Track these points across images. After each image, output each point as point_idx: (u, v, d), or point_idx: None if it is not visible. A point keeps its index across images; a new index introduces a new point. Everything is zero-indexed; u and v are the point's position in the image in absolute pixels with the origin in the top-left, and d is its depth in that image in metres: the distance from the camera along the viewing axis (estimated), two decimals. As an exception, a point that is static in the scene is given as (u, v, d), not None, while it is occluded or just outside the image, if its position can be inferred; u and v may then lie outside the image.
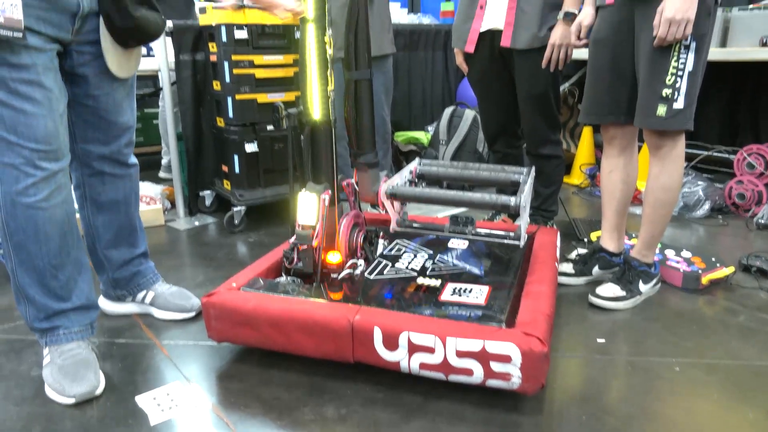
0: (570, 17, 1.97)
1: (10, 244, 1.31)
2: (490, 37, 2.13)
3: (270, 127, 2.58)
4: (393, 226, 1.82)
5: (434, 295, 1.51)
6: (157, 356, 1.55)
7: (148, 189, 2.79)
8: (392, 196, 1.73)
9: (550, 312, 1.41)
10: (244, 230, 2.61)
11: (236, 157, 2.57)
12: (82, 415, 1.30)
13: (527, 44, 2.05)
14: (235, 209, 2.59)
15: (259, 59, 2.48)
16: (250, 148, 2.57)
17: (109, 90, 1.44)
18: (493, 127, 2.36)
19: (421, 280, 1.59)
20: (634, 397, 1.36)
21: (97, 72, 1.39)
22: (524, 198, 1.61)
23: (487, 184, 1.97)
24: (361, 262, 1.68)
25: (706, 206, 2.71)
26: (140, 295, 1.74)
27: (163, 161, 3.58)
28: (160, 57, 2.60)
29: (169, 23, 2.54)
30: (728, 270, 1.94)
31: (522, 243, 1.70)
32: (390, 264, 1.71)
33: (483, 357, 1.25)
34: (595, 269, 1.97)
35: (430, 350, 1.28)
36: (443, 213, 2.70)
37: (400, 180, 1.81)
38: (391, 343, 1.31)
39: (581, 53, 2.00)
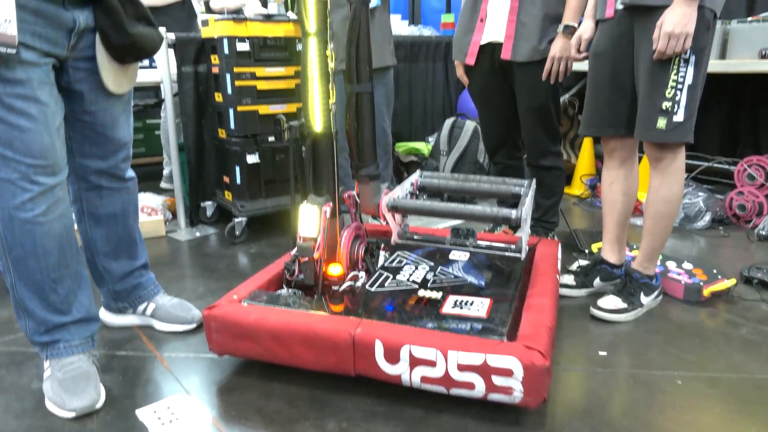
0: (569, 30, 1.98)
1: (8, 258, 1.31)
2: (491, 49, 2.14)
3: (271, 139, 2.59)
4: (394, 239, 1.83)
5: (435, 308, 1.51)
6: (158, 369, 1.55)
7: (149, 200, 2.80)
8: (393, 208, 1.73)
9: (552, 325, 1.41)
10: (245, 241, 2.61)
11: (237, 168, 2.58)
12: (82, 428, 1.30)
13: (527, 57, 2.06)
14: (237, 220, 2.59)
15: (260, 71, 2.50)
16: (252, 159, 2.58)
17: (106, 106, 1.43)
18: (494, 139, 2.37)
19: (422, 293, 1.59)
20: (637, 411, 1.35)
21: (93, 88, 1.39)
22: (525, 210, 1.61)
23: (488, 196, 1.97)
24: (362, 274, 1.68)
25: (707, 217, 2.71)
26: (141, 307, 1.74)
27: (165, 172, 3.59)
28: (162, 69, 2.62)
29: (172, 35, 2.56)
30: (730, 282, 1.94)
31: (523, 256, 1.70)
32: (391, 276, 1.71)
33: (484, 371, 1.24)
34: (597, 281, 1.97)
35: (432, 364, 1.28)
36: (444, 224, 2.70)
37: (401, 192, 1.81)
38: (392, 356, 1.31)
39: (581, 65, 2.01)
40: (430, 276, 1.71)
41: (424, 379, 1.30)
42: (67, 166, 1.35)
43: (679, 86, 1.57)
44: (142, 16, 1.40)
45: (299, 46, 2.57)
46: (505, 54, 2.09)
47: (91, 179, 1.52)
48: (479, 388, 1.26)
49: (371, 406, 1.37)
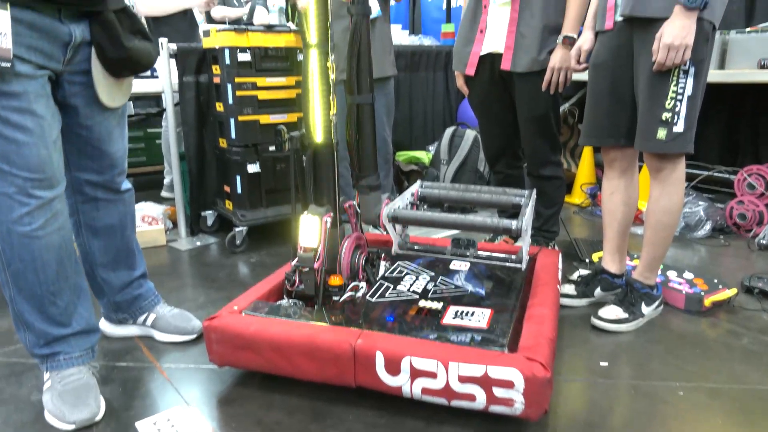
0: (569, 41, 1.99)
1: (7, 272, 1.30)
2: (491, 60, 2.15)
3: (272, 148, 2.59)
4: (395, 249, 1.83)
5: (436, 319, 1.50)
6: (158, 380, 1.55)
7: (150, 209, 2.80)
8: (394, 219, 1.74)
9: (553, 336, 1.40)
10: (245, 250, 2.61)
11: (238, 178, 2.58)
12: (82, 440, 1.30)
13: (527, 67, 2.07)
14: (237, 229, 2.59)
15: (261, 81, 2.51)
16: (252, 168, 2.58)
17: (101, 119, 1.42)
18: (495, 149, 2.38)
19: (422, 303, 1.59)
20: (638, 422, 1.35)
21: (88, 102, 1.38)
22: (526, 221, 1.62)
23: (489, 206, 1.98)
24: (362, 284, 1.68)
25: (708, 226, 2.71)
26: (141, 318, 1.74)
27: (166, 181, 3.60)
28: (164, 78, 2.63)
29: (173, 45, 2.57)
30: (731, 292, 1.94)
31: (524, 266, 1.70)
32: (392, 286, 1.71)
33: (485, 382, 1.24)
34: (597, 291, 1.96)
35: (433, 375, 1.28)
36: (444, 233, 2.70)
37: (401, 203, 1.82)
38: (393, 367, 1.30)
39: (581, 74, 2.03)
40: (430, 286, 1.71)
41: (425, 391, 1.30)
42: (65, 178, 1.35)
43: (679, 97, 1.58)
44: (138, 29, 1.40)
45: (300, 56, 2.58)
46: (505, 64, 2.10)
47: (87, 192, 1.51)
48: (480, 400, 1.26)
49: (372, 418, 1.36)
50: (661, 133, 1.61)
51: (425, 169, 3.56)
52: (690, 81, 1.57)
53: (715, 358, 1.63)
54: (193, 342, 1.74)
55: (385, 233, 1.82)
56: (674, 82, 1.57)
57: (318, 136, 1.60)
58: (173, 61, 2.62)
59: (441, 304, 1.58)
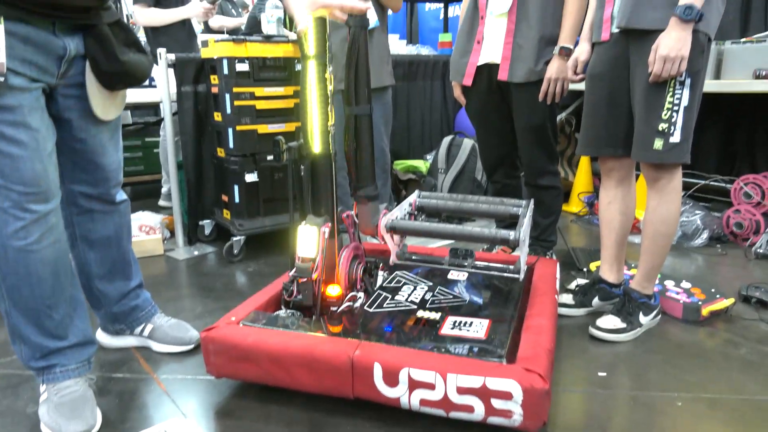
0: (565, 52, 2.01)
1: (2, 286, 1.29)
2: (488, 70, 2.17)
3: (270, 157, 2.60)
4: (393, 259, 1.83)
5: (434, 329, 1.50)
6: (155, 391, 1.54)
7: (147, 218, 2.80)
8: (392, 229, 1.74)
9: (551, 347, 1.40)
10: (243, 260, 2.61)
11: (236, 187, 2.59)
12: (78, 453, 1.29)
13: (524, 78, 2.08)
14: (235, 239, 2.59)
15: (259, 91, 2.52)
16: (250, 178, 2.58)
17: (95, 132, 1.41)
18: (492, 158, 2.39)
19: (420, 313, 1.59)
20: (637, 433, 1.35)
21: (82, 115, 1.37)
22: (523, 231, 1.62)
23: (487, 216, 1.98)
24: (360, 294, 1.68)
25: (705, 235, 2.72)
26: (138, 329, 1.73)
27: (163, 189, 3.60)
28: (162, 88, 2.63)
29: (172, 56, 2.58)
30: (728, 301, 1.94)
31: (521, 276, 1.70)
32: (390, 296, 1.70)
33: (484, 394, 1.24)
34: (595, 300, 1.97)
35: (431, 386, 1.27)
36: (441, 242, 2.70)
37: (399, 213, 1.82)
38: (391, 379, 1.30)
39: (578, 84, 2.04)
40: (428, 296, 1.71)
41: (423, 402, 1.29)
42: (60, 191, 1.34)
43: (675, 108, 1.58)
44: (133, 42, 1.40)
45: (298, 66, 2.59)
46: (502, 75, 2.11)
47: (82, 204, 1.50)
48: (478, 412, 1.25)
49: (370, 429, 1.36)
50: (658, 144, 1.62)
51: (423, 178, 3.57)
52: (686, 92, 1.58)
53: (714, 368, 1.63)
54: (191, 352, 1.73)
55: (382, 242, 1.82)
56: (670, 93, 1.58)
57: (316, 146, 1.60)
58: (171, 70, 2.63)
59: (439, 314, 1.58)
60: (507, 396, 1.22)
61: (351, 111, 1.64)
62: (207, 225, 2.87)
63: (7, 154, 1.20)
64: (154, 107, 4.16)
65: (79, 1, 1.24)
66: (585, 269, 2.38)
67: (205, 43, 2.58)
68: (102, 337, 1.75)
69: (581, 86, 1.88)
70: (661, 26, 1.53)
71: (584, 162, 3.46)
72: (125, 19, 4.02)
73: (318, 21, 1.51)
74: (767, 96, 2.67)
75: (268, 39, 2.53)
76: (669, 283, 2.07)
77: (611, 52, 1.71)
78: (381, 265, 1.88)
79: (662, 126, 1.60)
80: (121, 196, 1.58)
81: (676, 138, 1.60)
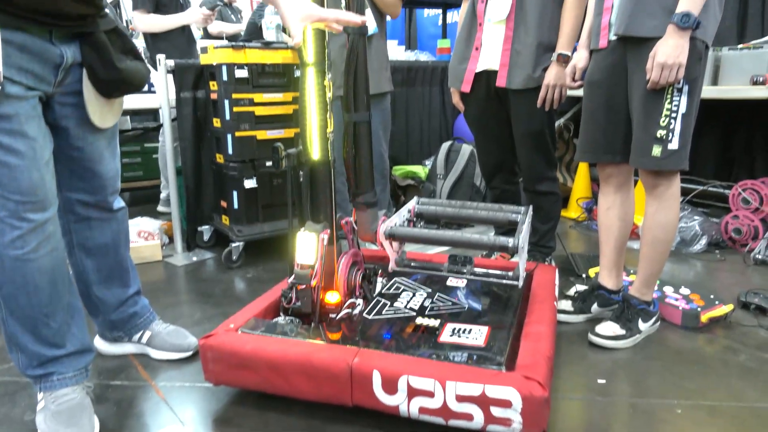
0: (563, 58, 2.01)
1: None
2: (486, 77, 2.17)
3: (269, 163, 2.60)
4: (392, 266, 1.82)
5: (433, 336, 1.50)
6: (153, 399, 1.53)
7: (146, 224, 2.79)
8: (391, 236, 1.74)
9: (550, 354, 1.40)
10: (242, 266, 2.60)
11: (235, 193, 2.59)
12: (76, 462, 1.28)
13: (522, 84, 2.09)
14: (234, 245, 2.59)
15: (258, 97, 2.52)
16: (249, 184, 2.58)
17: (92, 140, 1.41)
18: (491, 164, 2.39)
19: (420, 320, 1.59)
20: (637, 441, 1.34)
21: (79, 123, 1.36)
22: (522, 238, 1.62)
23: (486, 223, 1.98)
24: (359, 301, 1.68)
25: (703, 241, 2.72)
26: (137, 336, 1.73)
27: (162, 195, 3.60)
28: (161, 94, 2.64)
29: (171, 62, 2.58)
30: (727, 308, 1.94)
31: (521, 283, 1.70)
32: (389, 303, 1.70)
33: (483, 401, 1.23)
34: (594, 306, 1.96)
35: (430, 394, 1.27)
36: (440, 248, 2.69)
37: (398, 220, 1.82)
38: (390, 386, 1.30)
39: (577, 90, 2.06)
40: (427, 303, 1.71)
41: (422, 410, 1.29)
42: (57, 199, 1.33)
43: (673, 115, 1.59)
44: (130, 49, 1.40)
45: (297, 73, 2.60)
46: (500, 81, 2.11)
47: (79, 212, 1.49)
48: (478, 420, 1.25)
49: (369, 438, 1.35)
50: (656, 150, 1.62)
51: (422, 184, 3.57)
52: (684, 99, 1.58)
53: (713, 375, 1.63)
54: (189, 360, 1.72)
55: (381, 248, 1.82)
56: (668, 100, 1.58)
57: (315, 153, 1.60)
58: (171, 76, 2.63)
59: (438, 321, 1.58)
60: (506, 404, 1.22)
61: (350, 118, 1.64)
62: (206, 231, 2.86)
63: (5, 164, 1.19)
64: (153, 113, 4.17)
65: (76, 8, 1.24)
66: (584, 275, 2.38)
67: (204, 50, 2.59)
68: (100, 344, 1.74)
69: (579, 92, 1.89)
70: (659, 34, 1.54)
71: (583, 168, 3.46)
72: (125, 25, 4.04)
73: (316, 29, 1.52)
74: (764, 102, 2.68)
75: (267, 45, 2.54)
76: (668, 290, 2.07)
77: (609, 59, 1.72)
78: (380, 271, 1.88)
79: (660, 133, 1.61)
80: (119, 203, 1.58)
81: (674, 145, 1.61)
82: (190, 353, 1.73)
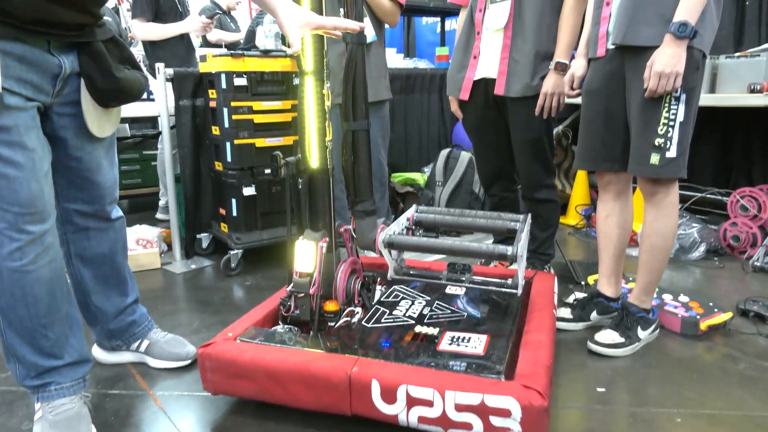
0: (561, 67, 2.02)
1: None
2: (484, 85, 2.18)
3: (267, 171, 2.60)
4: (390, 274, 1.82)
5: (432, 345, 1.49)
6: (151, 408, 1.53)
7: (144, 232, 2.79)
8: (390, 245, 1.74)
9: (550, 363, 1.40)
10: (240, 273, 2.60)
11: (234, 201, 2.59)
12: (73, 472, 1.27)
13: (520, 92, 2.09)
14: (232, 252, 2.58)
15: (257, 105, 2.53)
16: (248, 191, 2.59)
17: (90, 150, 1.40)
18: (489, 172, 2.39)
19: (418, 329, 1.58)
20: (637, 450, 1.34)
21: (77, 133, 1.36)
22: (521, 247, 1.62)
23: (484, 231, 1.98)
24: (358, 309, 1.68)
25: (702, 248, 2.72)
26: (135, 344, 1.72)
27: (161, 202, 3.60)
28: (160, 102, 2.64)
29: (170, 70, 2.59)
30: (726, 315, 1.94)
31: (519, 292, 1.70)
32: (387, 311, 1.70)
33: (482, 411, 1.23)
34: (593, 314, 1.96)
35: (429, 404, 1.27)
36: (439, 255, 2.69)
37: (397, 228, 1.82)
38: (389, 396, 1.29)
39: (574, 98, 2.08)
40: (426, 311, 1.70)
41: (421, 420, 1.29)
42: (55, 210, 1.32)
43: (671, 123, 1.59)
44: (127, 59, 1.40)
45: (296, 80, 2.61)
46: (499, 89, 2.12)
47: (77, 222, 1.49)
48: (477, 429, 1.24)
49: (368, 447, 1.35)
50: (655, 158, 1.62)
51: (421, 191, 3.57)
52: (681, 107, 1.59)
53: (712, 383, 1.63)
54: (187, 368, 1.72)
55: (380, 256, 1.82)
56: (666, 109, 1.59)
57: (314, 161, 1.60)
58: (170, 84, 2.64)
59: (437, 329, 1.57)
60: (506, 413, 1.21)
61: (348, 126, 1.64)
62: (204, 238, 2.86)
63: (4, 175, 1.19)
64: (152, 120, 4.17)
65: (73, 18, 1.24)
66: (583, 282, 2.38)
67: (203, 58, 2.60)
68: (98, 353, 1.74)
69: (578, 99, 1.89)
70: (656, 43, 1.55)
71: (581, 174, 3.47)
72: (125, 30, 4.04)
73: (315, 38, 1.53)
74: (762, 109, 2.69)
75: (266, 53, 2.55)
76: (667, 297, 2.07)
77: (607, 68, 1.72)
78: (379, 279, 1.88)
79: (658, 141, 1.61)
80: (117, 212, 1.57)
81: (672, 153, 1.61)
82: (188, 362, 1.73)
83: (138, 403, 1.55)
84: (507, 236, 2.20)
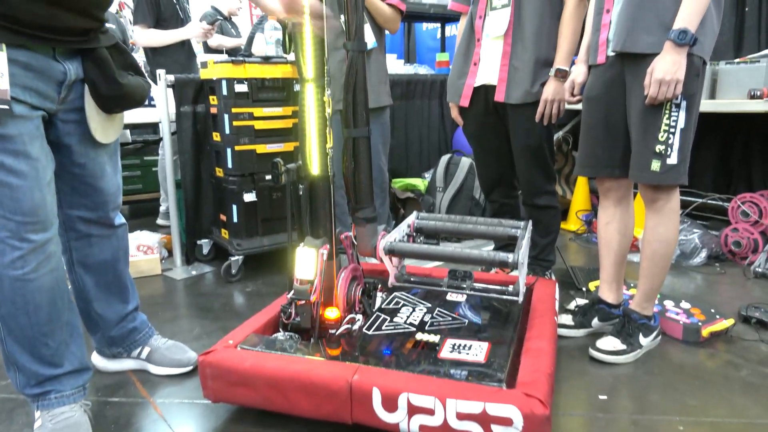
0: (561, 73, 2.02)
1: None
2: (484, 91, 2.18)
3: (268, 177, 2.60)
4: (391, 281, 1.82)
5: (433, 352, 1.49)
6: (151, 416, 1.52)
7: (145, 238, 2.79)
8: (390, 252, 1.73)
9: (551, 370, 1.39)
10: (241, 280, 2.60)
11: (234, 207, 2.59)
12: (72, 481, 1.27)
13: (520, 99, 2.09)
14: (233, 258, 2.58)
15: (258, 111, 2.53)
16: (249, 197, 2.59)
17: (94, 156, 1.41)
18: (489, 179, 2.39)
19: (419, 336, 1.58)
20: (639, 459, 1.33)
21: (81, 139, 1.36)
22: (522, 254, 1.61)
23: (485, 238, 1.98)
24: (359, 316, 1.67)
25: (703, 254, 2.72)
26: (136, 351, 1.72)
27: (162, 208, 3.60)
28: (161, 108, 2.65)
29: (171, 76, 2.60)
30: (728, 322, 1.93)
31: (521, 299, 1.70)
32: (388, 318, 1.69)
33: (484, 419, 1.22)
34: (595, 321, 1.96)
35: (430, 412, 1.26)
36: (438, 262, 2.69)
37: (398, 235, 1.82)
38: (390, 404, 1.29)
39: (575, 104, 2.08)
40: (427, 318, 1.70)
41: (422, 428, 1.28)
42: (57, 218, 1.32)
43: (672, 130, 1.59)
44: (131, 65, 1.40)
45: (297, 87, 2.61)
46: (499, 96, 2.12)
47: (80, 229, 1.49)
48: (478, 438, 1.24)
49: (369, 456, 1.34)
50: (655, 165, 1.62)
51: (421, 197, 3.57)
52: (682, 114, 1.59)
53: (715, 390, 1.62)
54: (187, 375, 1.71)
55: (380, 262, 1.82)
56: (666, 116, 1.59)
57: (314, 168, 1.60)
58: (170, 91, 2.64)
59: (438, 336, 1.57)
60: (507, 422, 1.21)
61: (349, 133, 1.64)
62: (205, 244, 2.86)
63: (7, 185, 1.19)
64: (153, 126, 4.17)
65: (78, 22, 1.24)
66: (584, 288, 2.38)
67: (204, 64, 2.60)
68: (98, 360, 1.73)
69: (579, 105, 1.90)
70: (656, 50, 1.55)
71: (582, 180, 3.47)
72: (127, 38, 4.05)
73: (316, 45, 1.53)
74: (762, 115, 2.69)
75: (267, 60, 2.55)
76: (668, 304, 2.06)
77: (607, 75, 1.73)
78: (380, 286, 1.88)
79: (659, 148, 1.61)
80: (120, 219, 1.57)
81: (673, 159, 1.61)
82: (189, 368, 1.72)
83: (138, 410, 1.55)
84: (508, 243, 2.20)
